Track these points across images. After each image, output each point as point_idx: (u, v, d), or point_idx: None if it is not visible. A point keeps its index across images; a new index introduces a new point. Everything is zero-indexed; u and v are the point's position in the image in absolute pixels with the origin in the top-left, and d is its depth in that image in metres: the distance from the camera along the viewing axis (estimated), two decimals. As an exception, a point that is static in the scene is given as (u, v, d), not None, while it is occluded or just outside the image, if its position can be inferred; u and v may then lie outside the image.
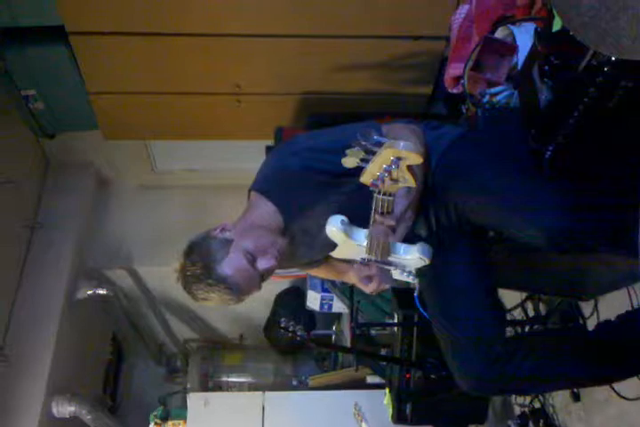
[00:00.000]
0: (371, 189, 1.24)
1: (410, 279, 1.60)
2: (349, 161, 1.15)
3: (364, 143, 1.13)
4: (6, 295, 3.28)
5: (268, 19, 2.45)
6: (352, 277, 1.75)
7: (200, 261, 1.48)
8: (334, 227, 1.45)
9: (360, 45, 2.56)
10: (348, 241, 1.48)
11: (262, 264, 1.49)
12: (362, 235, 1.47)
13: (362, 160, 1.14)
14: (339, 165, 1.31)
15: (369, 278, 1.62)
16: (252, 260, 1.48)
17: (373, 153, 1.13)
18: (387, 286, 1.66)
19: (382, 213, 1.32)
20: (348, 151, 1.14)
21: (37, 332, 3.28)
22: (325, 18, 2.45)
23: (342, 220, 1.45)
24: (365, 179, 1.18)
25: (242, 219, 1.59)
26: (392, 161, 1.12)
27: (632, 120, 1.22)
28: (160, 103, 2.84)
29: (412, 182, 1.19)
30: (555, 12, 1.14)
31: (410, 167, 1.15)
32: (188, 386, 4.10)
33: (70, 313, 3.48)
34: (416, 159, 1.12)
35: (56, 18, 2.43)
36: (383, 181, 1.18)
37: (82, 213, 3.70)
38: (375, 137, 1.12)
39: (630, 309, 1.82)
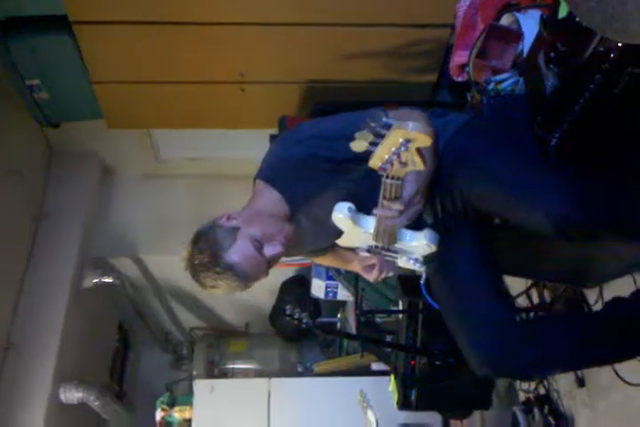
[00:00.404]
0: (379, 173, 1.23)
1: (416, 267, 1.61)
2: (358, 144, 1.14)
3: (372, 125, 1.11)
4: (13, 285, 3.31)
5: (273, 7, 2.44)
6: (356, 266, 1.76)
7: (207, 250, 1.49)
8: (341, 214, 1.45)
9: (365, 34, 2.55)
10: (354, 228, 1.48)
11: (269, 251, 1.50)
12: (369, 222, 1.47)
13: (370, 144, 1.14)
14: (343, 152, 1.31)
15: (372, 267, 1.63)
16: (259, 246, 1.49)
17: (382, 136, 1.12)
18: (390, 274, 1.66)
19: (390, 199, 1.32)
20: (356, 134, 1.13)
21: (44, 320, 3.31)
22: (330, 6, 2.44)
23: (349, 207, 1.45)
24: (374, 162, 1.18)
25: (247, 207, 1.60)
26: (401, 143, 1.11)
27: (638, 107, 1.21)
28: (164, 92, 2.84)
29: (420, 166, 1.18)
30: (561, -2, 1.14)
31: (419, 150, 1.15)
32: (194, 373, 4.13)
33: (76, 302, 3.51)
34: (425, 141, 1.11)
35: (60, 7, 2.42)
36: (392, 165, 1.18)
37: (86, 203, 3.72)
38: (384, 119, 1.11)
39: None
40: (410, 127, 1.09)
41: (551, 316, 1.87)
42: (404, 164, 1.18)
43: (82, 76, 2.75)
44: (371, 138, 1.12)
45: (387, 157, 1.15)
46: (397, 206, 1.36)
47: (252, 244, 1.48)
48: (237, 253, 1.47)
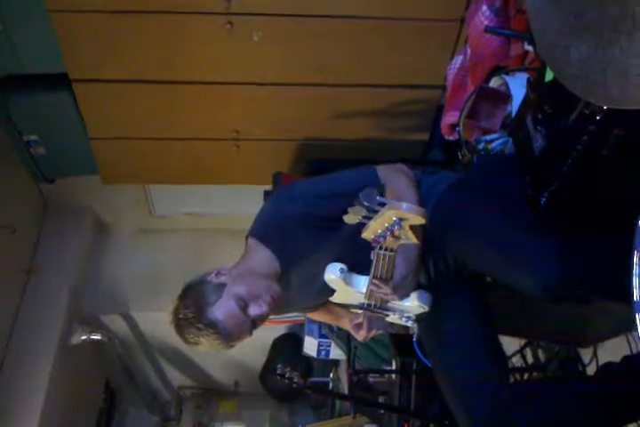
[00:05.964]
0: (372, 245, 1.25)
1: (409, 324, 1.59)
2: (350, 218, 1.17)
3: (366, 204, 1.14)
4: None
5: (268, 68, 2.50)
6: (346, 324, 1.75)
7: (193, 305, 1.48)
8: (333, 275, 1.45)
9: (359, 94, 2.61)
10: (346, 288, 1.48)
11: (254, 310, 1.49)
12: (361, 282, 1.47)
13: (363, 217, 1.16)
14: (334, 210, 1.33)
15: (360, 326, 1.62)
16: (244, 306, 1.48)
17: (375, 212, 1.14)
18: (380, 332, 1.65)
19: (381, 278, 1.33)
20: (349, 209, 1.16)
21: (29, 377, 3.22)
22: (324, 67, 2.50)
23: (341, 268, 1.45)
24: (367, 235, 1.20)
25: (238, 264, 1.59)
26: (394, 221, 1.13)
27: (626, 168, 1.23)
28: (160, 148, 2.87)
29: (414, 240, 1.21)
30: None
31: (412, 226, 1.17)
32: (182, 435, 4.02)
33: (63, 359, 3.42)
34: (419, 220, 1.13)
35: (60, 65, 2.47)
36: (385, 238, 1.20)
37: (79, 258, 3.69)
38: (378, 198, 1.14)
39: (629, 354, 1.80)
40: (404, 208, 1.11)
41: (543, 382, 1.84)
42: (398, 237, 1.19)
43: (79, 131, 2.78)
44: (364, 213, 1.15)
45: (380, 231, 1.17)
46: (386, 289, 1.37)
47: (237, 302, 1.47)
48: (221, 310, 1.46)
